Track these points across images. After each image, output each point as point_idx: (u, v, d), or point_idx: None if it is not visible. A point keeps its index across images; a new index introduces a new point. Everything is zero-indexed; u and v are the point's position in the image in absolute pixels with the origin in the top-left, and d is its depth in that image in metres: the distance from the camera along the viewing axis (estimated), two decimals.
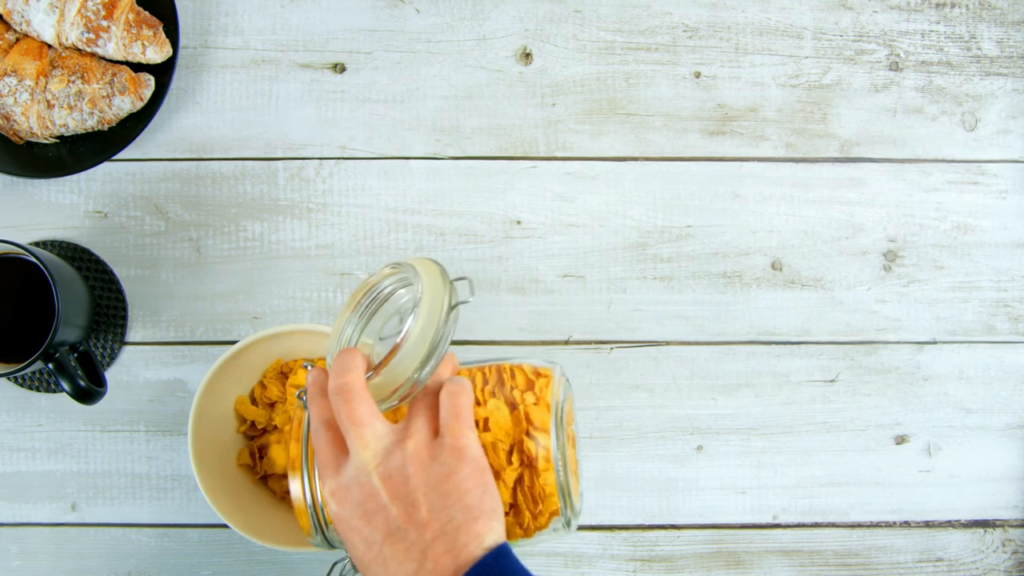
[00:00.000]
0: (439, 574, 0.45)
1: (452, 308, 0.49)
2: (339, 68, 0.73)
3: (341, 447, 0.48)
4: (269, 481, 0.68)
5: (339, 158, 0.73)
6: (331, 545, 0.52)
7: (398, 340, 0.48)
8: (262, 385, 0.69)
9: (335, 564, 0.54)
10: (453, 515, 0.46)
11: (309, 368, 0.52)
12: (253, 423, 0.68)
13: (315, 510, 0.51)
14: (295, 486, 0.51)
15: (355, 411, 0.47)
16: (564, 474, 0.51)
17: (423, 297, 0.48)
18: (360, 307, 0.52)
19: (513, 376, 0.53)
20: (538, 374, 0.53)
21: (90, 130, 0.70)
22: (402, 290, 0.53)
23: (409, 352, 0.48)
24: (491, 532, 0.46)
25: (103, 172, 0.72)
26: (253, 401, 0.69)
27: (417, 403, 0.49)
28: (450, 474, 0.46)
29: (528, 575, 0.46)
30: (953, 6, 0.75)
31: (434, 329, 0.48)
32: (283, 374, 0.68)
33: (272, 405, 0.68)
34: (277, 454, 0.67)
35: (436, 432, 0.48)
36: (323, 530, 0.51)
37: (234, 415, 0.69)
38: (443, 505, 0.46)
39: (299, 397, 0.52)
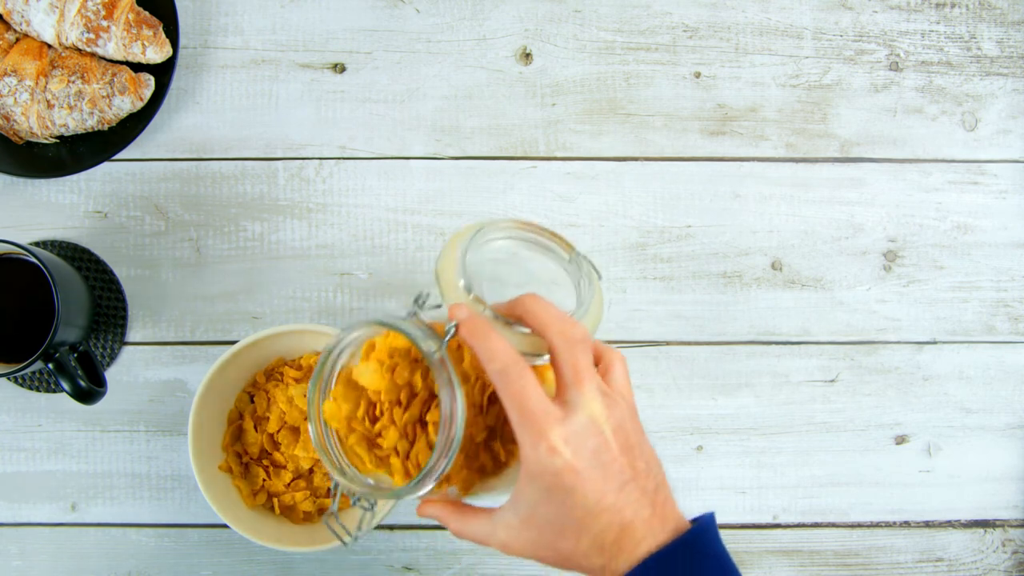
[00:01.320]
0: (668, 519, 0.48)
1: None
2: (339, 68, 0.73)
3: (553, 394, 0.49)
4: (250, 467, 0.68)
5: (339, 158, 0.73)
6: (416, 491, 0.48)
7: (582, 308, 0.51)
8: (256, 384, 0.69)
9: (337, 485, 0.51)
10: (658, 469, 0.49)
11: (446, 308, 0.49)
12: (240, 418, 0.68)
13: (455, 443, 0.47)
14: (457, 417, 0.46)
15: (585, 363, 0.48)
16: None
17: (589, 266, 0.53)
18: (481, 240, 0.52)
19: None
20: None
21: (90, 130, 0.70)
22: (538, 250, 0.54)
23: (594, 316, 0.51)
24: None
25: (103, 172, 0.72)
26: (251, 400, 0.69)
27: (591, 368, 0.51)
28: (644, 431, 0.50)
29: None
30: (953, 6, 0.75)
31: (602, 298, 0.52)
32: (279, 373, 0.68)
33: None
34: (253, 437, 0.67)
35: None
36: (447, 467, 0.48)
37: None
38: (651, 458, 0.49)
39: (448, 334, 0.48)
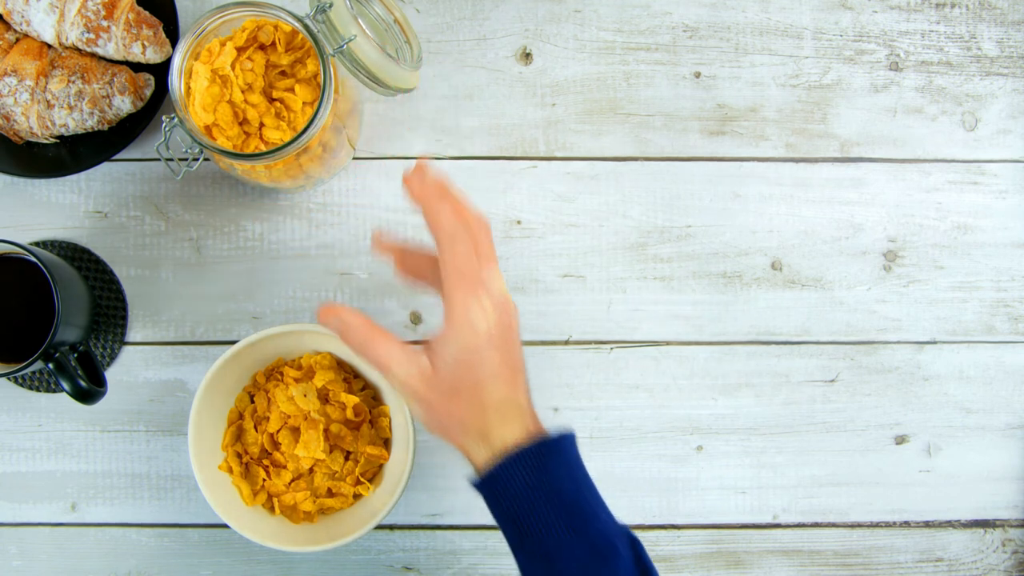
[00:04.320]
0: (538, 418, 0.52)
1: None
2: None
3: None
4: (251, 468, 0.68)
5: None
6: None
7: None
8: (256, 384, 0.69)
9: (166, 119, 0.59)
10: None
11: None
12: (241, 414, 0.68)
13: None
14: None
15: (490, 246, 0.51)
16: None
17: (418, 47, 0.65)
18: None
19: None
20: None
21: (90, 130, 0.70)
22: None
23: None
24: None
25: (103, 172, 0.72)
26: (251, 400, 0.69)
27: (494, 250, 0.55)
28: None
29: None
30: (953, 6, 0.75)
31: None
32: (279, 373, 0.68)
33: None
34: None
35: None
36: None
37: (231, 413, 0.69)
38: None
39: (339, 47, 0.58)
